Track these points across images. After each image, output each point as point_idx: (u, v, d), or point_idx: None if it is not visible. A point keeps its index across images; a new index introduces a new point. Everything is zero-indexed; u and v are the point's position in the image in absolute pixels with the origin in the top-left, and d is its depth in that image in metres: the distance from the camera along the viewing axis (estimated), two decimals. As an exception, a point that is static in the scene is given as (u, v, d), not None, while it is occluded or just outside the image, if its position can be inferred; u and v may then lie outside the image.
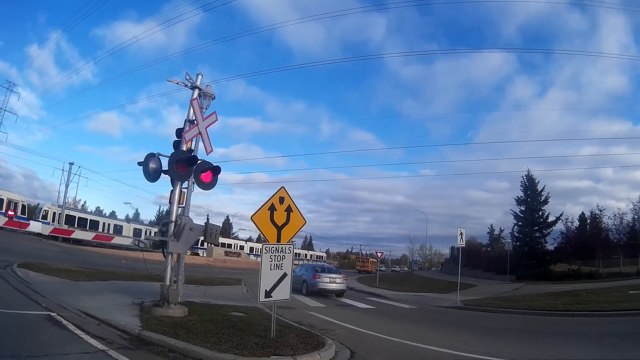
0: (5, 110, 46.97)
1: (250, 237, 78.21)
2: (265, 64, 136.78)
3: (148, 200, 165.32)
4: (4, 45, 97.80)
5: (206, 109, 9.13)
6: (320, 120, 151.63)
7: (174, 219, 8.27)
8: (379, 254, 35.21)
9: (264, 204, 6.88)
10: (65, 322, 6.47)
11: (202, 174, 8.49)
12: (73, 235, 36.44)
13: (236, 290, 15.27)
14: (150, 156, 8.37)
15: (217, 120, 8.91)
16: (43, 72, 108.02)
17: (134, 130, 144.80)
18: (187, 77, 9.20)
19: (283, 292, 6.66)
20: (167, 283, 8.01)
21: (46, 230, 34.57)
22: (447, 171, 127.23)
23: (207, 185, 8.69)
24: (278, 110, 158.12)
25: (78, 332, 5.95)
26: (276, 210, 6.91)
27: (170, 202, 8.55)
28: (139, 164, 8.36)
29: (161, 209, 77.62)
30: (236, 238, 76.32)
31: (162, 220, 8.92)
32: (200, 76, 9.32)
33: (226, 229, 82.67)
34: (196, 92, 9.12)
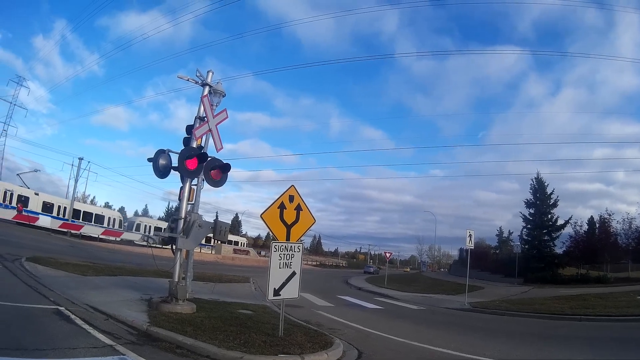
0: (15, 104, 47.53)
1: (259, 235, 78.13)
2: (274, 55, 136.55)
3: (156, 196, 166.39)
4: (12, 38, 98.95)
5: (216, 106, 9.13)
6: (329, 117, 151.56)
7: (183, 216, 8.27)
8: (387, 255, 35.15)
9: (274, 202, 6.83)
10: (73, 316, 6.49)
11: (212, 171, 8.48)
12: (82, 231, 36.72)
13: (244, 288, 15.28)
14: (160, 152, 8.37)
15: (227, 117, 8.91)
16: (51, 65, 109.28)
17: (140, 124, 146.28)
18: (198, 74, 9.19)
19: (292, 291, 6.62)
20: (176, 279, 8.00)
21: (55, 224, 34.84)
22: (456, 172, 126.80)
23: (217, 183, 8.68)
24: (287, 105, 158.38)
25: (86, 326, 5.96)
26: (286, 209, 6.86)
27: (179, 199, 8.55)
28: (149, 160, 8.36)
29: (170, 205, 78.07)
30: (244, 236, 76.35)
31: (172, 216, 8.93)
32: (210, 73, 9.32)
33: (235, 226, 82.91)
34: (207, 89, 9.11)
